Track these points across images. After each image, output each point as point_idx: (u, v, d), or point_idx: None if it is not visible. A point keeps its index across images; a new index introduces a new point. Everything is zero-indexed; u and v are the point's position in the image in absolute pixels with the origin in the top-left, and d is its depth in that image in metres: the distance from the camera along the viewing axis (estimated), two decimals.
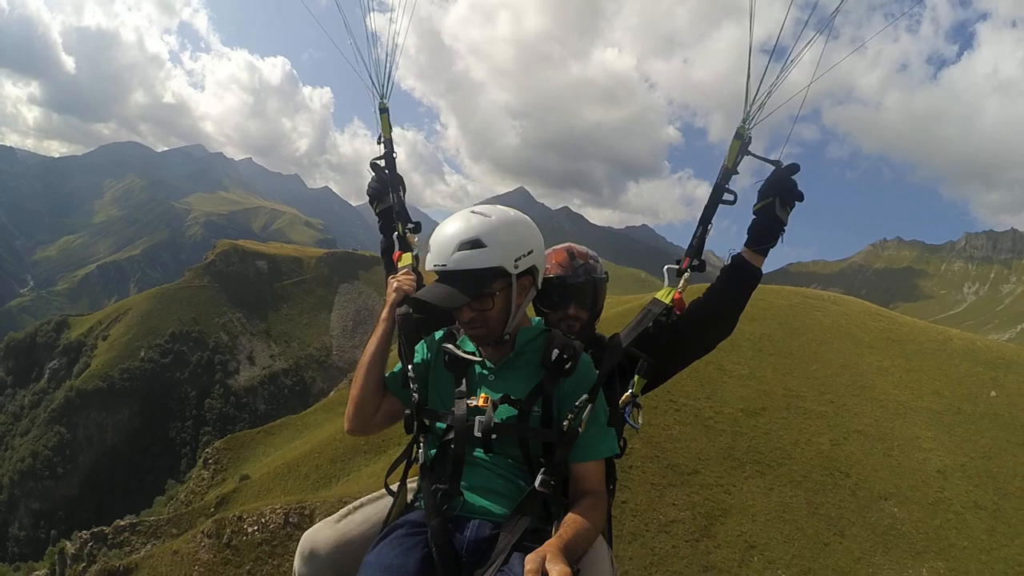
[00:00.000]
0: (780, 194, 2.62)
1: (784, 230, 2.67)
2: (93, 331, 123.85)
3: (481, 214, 2.30)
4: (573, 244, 3.08)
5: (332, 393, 75.43)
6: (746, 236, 2.73)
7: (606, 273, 3.13)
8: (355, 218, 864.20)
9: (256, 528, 21.68)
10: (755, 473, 23.13)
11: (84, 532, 34.58)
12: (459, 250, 2.23)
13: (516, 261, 2.30)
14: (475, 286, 2.25)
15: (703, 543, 19.90)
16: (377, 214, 3.16)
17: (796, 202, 2.65)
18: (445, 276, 2.27)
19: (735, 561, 19.93)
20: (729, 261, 2.77)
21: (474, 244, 2.23)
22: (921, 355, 36.36)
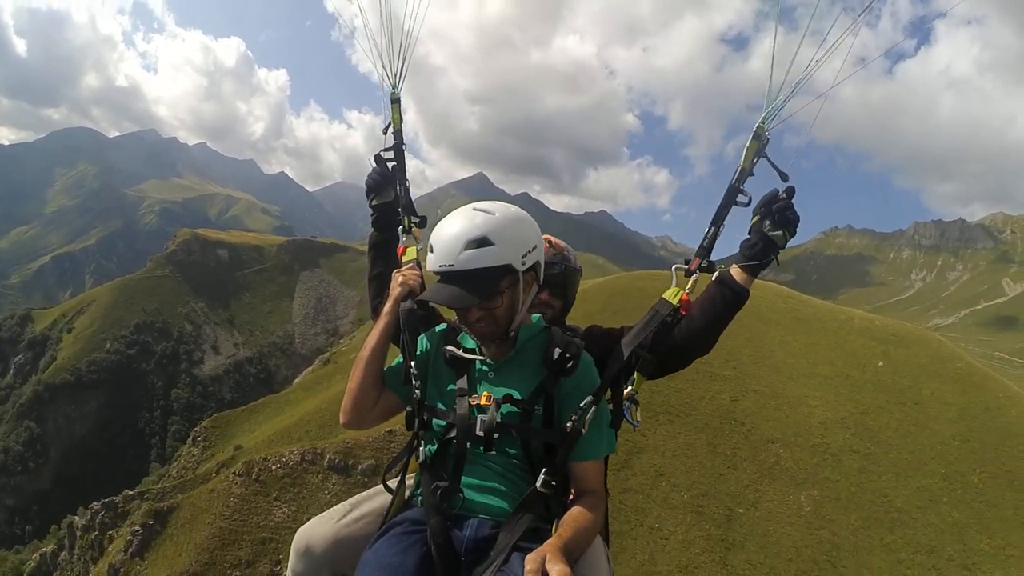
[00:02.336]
0: (770, 216, 2.55)
1: (777, 252, 2.57)
2: (57, 324, 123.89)
3: (485, 211, 2.26)
4: (551, 235, 3.10)
5: (308, 374, 79.40)
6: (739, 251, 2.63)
7: (580, 267, 3.18)
8: (312, 204, 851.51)
9: (278, 466, 27.15)
10: (666, 421, 29.64)
11: (95, 503, 38.38)
12: (466, 249, 2.17)
13: (523, 258, 2.27)
14: (485, 285, 2.22)
15: (623, 472, 26.14)
16: (372, 207, 3.03)
17: (791, 228, 2.55)
18: (452, 276, 2.21)
19: (647, 485, 26.37)
20: (715, 276, 2.67)
21: (481, 243, 2.18)
22: (823, 331, 43.26)
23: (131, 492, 37.66)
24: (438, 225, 2.30)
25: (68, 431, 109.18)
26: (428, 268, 2.35)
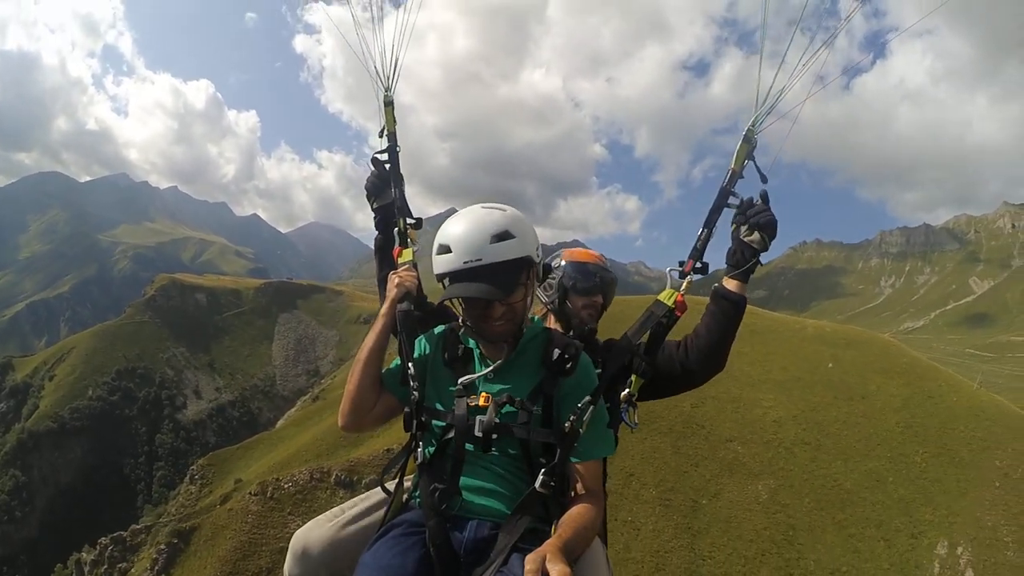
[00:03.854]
0: (745, 222, 2.63)
1: (757, 255, 2.65)
2: (38, 372, 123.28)
3: (497, 208, 2.33)
4: (585, 249, 3.35)
5: (296, 412, 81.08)
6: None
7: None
8: (285, 246, 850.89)
9: (290, 484, 29.93)
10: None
11: (103, 538, 40.12)
12: (492, 242, 2.22)
13: (536, 250, 2.35)
14: (512, 278, 2.27)
15: None
16: (374, 210, 3.10)
17: (769, 230, 2.62)
18: (478, 271, 2.22)
19: (620, 485, 29.58)
20: (711, 293, 2.75)
21: (504, 236, 2.24)
22: (777, 341, 47.02)
23: (138, 526, 39.50)
24: (446, 227, 2.31)
25: (53, 479, 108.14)
26: (444, 269, 2.29)
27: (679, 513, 30.55)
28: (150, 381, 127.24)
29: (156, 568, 30.30)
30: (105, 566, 36.94)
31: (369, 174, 3.13)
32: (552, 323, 3.17)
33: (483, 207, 2.34)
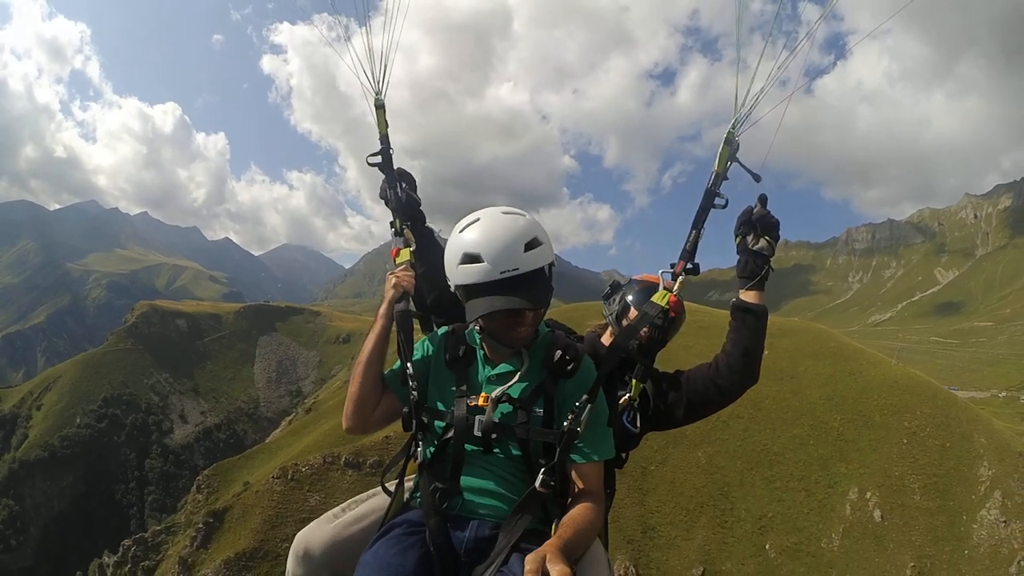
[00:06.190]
0: (752, 230, 2.67)
1: (768, 261, 2.68)
2: (25, 402, 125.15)
3: (518, 213, 2.30)
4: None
5: (291, 421, 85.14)
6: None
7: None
8: (258, 268, 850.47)
9: (307, 468, 35.16)
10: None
11: (126, 540, 44.65)
12: (526, 251, 2.19)
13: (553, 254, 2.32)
14: (546, 284, 2.27)
15: None
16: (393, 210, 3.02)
17: (774, 233, 2.67)
18: (518, 280, 2.17)
19: None
20: (731, 308, 2.76)
21: (534, 243, 2.21)
22: (720, 336, 52.27)
23: (158, 527, 44.10)
24: (467, 233, 2.24)
25: (47, 506, 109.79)
26: (476, 279, 2.19)
27: (631, 477, 36.04)
28: (136, 407, 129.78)
29: (195, 544, 35.50)
30: (129, 565, 41.25)
31: (382, 180, 3.07)
32: (610, 337, 3.14)
33: (503, 212, 2.30)
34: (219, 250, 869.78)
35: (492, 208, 2.32)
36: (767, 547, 34.72)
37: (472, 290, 2.23)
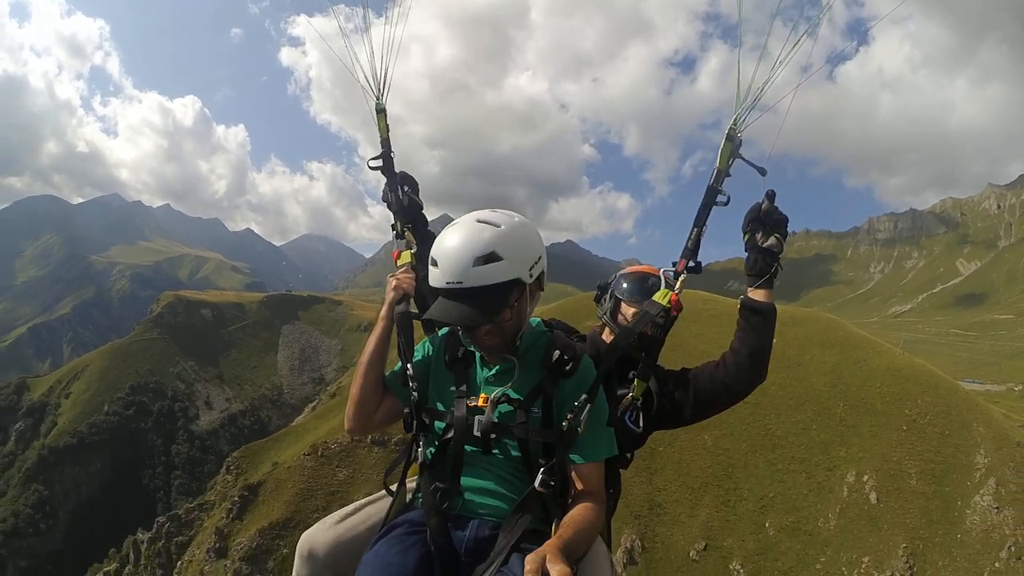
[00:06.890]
0: (761, 227, 2.64)
1: (777, 259, 2.66)
2: (54, 390, 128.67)
3: (491, 224, 2.23)
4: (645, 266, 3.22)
5: (314, 407, 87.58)
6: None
7: None
8: (280, 258, 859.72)
9: (336, 445, 37.62)
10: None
11: (160, 517, 47.35)
12: (475, 266, 2.14)
13: (530, 270, 2.26)
14: (495, 302, 2.20)
15: None
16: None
17: (782, 230, 2.64)
18: (461, 293, 2.17)
19: None
20: (739, 307, 2.72)
21: (490, 258, 2.16)
22: (732, 324, 53.86)
23: (191, 505, 46.71)
24: (441, 237, 2.27)
25: (75, 492, 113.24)
26: (432, 283, 2.26)
27: (640, 458, 37.50)
28: (163, 395, 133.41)
29: (231, 516, 37.96)
30: (163, 541, 43.80)
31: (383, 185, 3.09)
32: (609, 336, 3.09)
33: (478, 220, 2.25)
34: (241, 241, 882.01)
35: (471, 215, 2.33)
36: (767, 525, 36.47)
37: (434, 292, 2.29)
